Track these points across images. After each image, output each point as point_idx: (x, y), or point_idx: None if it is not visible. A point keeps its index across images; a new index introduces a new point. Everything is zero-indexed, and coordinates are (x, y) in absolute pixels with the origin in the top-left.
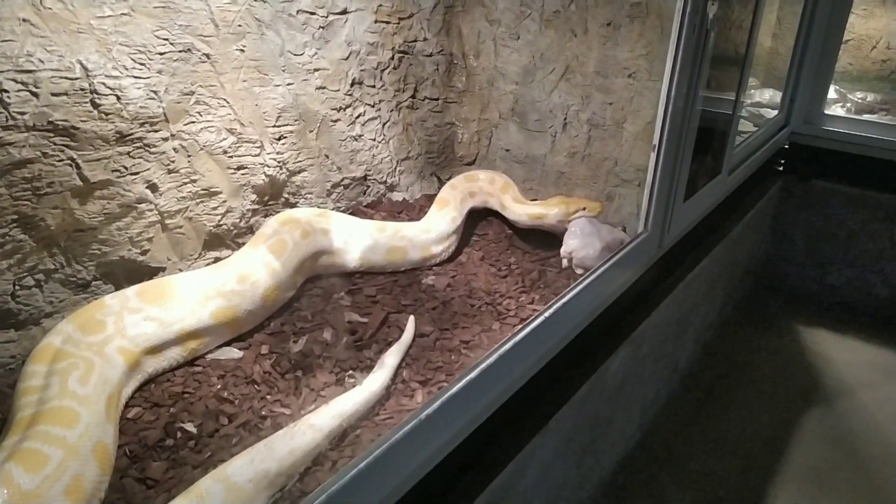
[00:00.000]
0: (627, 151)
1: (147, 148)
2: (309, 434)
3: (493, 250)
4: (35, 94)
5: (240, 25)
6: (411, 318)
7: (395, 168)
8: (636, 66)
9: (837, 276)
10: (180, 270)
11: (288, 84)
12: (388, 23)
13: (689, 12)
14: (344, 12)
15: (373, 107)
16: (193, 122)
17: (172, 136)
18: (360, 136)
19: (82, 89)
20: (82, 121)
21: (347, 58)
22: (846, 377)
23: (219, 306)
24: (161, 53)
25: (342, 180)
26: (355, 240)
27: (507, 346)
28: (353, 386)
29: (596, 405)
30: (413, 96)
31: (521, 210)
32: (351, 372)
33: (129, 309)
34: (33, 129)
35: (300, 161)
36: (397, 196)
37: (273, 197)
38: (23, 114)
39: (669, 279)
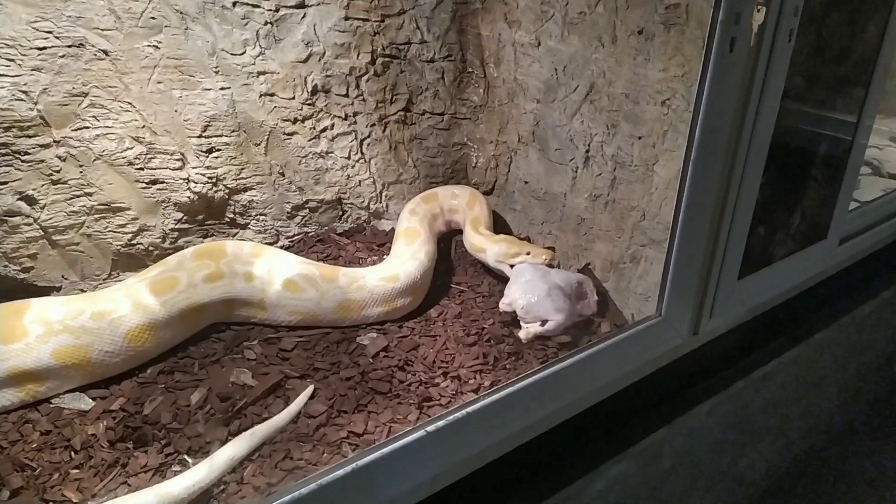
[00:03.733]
0: (657, 203)
1: (17, 155)
2: None
3: (476, 307)
4: None
5: (153, 18)
6: (308, 390)
7: (381, 192)
8: (671, 90)
9: None
10: (81, 291)
11: (222, 88)
12: (365, 20)
13: (721, 22)
14: (301, 6)
15: (344, 119)
16: (87, 128)
17: (56, 142)
18: (327, 152)
19: None
20: None
21: (306, 60)
22: None
23: (63, 344)
24: (40, 48)
25: (306, 202)
26: (292, 293)
27: (373, 457)
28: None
29: None
30: (407, 109)
31: (468, 236)
32: (184, 456)
33: None
34: None
35: (244, 178)
36: (385, 224)
37: (212, 216)
38: None
39: (722, 374)
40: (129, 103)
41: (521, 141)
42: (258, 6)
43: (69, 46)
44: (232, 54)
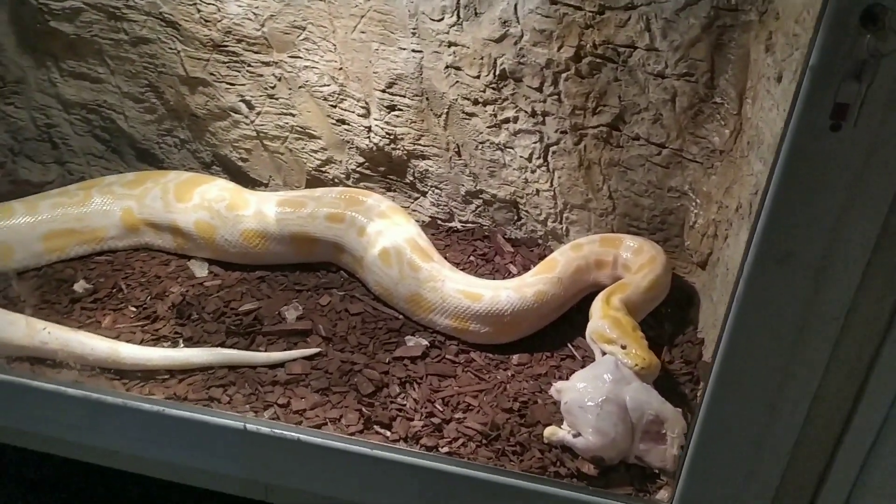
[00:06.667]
0: None
1: (244, 65)
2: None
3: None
4: None
5: None
6: (309, 351)
7: (561, 212)
8: None
9: None
10: None
11: (414, 51)
12: (576, 8)
13: (814, 67)
14: None
15: (531, 115)
16: (299, 58)
17: (275, 63)
18: (505, 146)
19: None
20: (185, 20)
21: (499, 40)
22: None
23: (202, 219)
24: None
25: (479, 191)
26: (383, 263)
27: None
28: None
29: None
30: (614, 127)
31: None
32: (180, 340)
33: (161, 186)
34: (149, 15)
35: (422, 145)
36: None
37: (394, 172)
38: None
39: None
40: (334, 45)
41: (738, 211)
42: None
43: None
44: (431, 19)
